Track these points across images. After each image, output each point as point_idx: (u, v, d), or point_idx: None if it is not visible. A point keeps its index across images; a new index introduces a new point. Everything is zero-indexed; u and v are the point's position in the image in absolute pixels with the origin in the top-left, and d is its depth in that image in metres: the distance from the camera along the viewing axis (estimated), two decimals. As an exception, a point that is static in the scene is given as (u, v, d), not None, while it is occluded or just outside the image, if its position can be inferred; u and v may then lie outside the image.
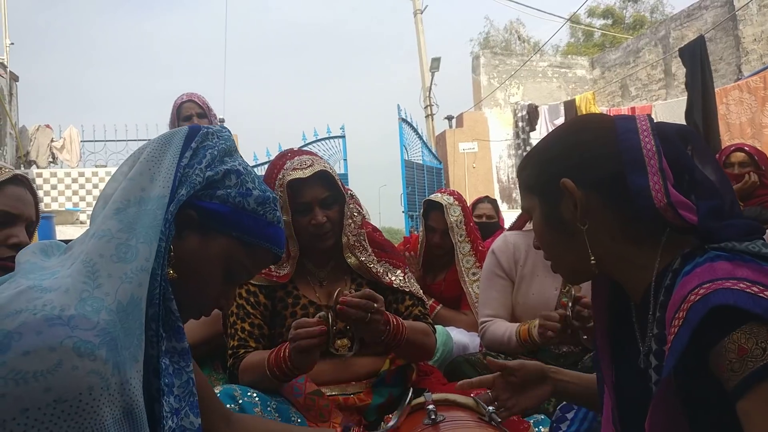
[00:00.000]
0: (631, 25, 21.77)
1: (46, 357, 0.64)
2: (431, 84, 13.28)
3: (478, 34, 26.23)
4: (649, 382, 0.83)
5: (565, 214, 0.94)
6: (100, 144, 11.26)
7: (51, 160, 11.15)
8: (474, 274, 2.76)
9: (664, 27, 12.45)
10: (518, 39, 24.52)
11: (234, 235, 0.91)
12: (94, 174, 10.37)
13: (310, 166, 1.67)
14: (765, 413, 0.69)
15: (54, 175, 10.32)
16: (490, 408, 1.29)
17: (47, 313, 0.67)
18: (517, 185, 1.10)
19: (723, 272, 0.76)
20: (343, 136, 10.67)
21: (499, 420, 1.26)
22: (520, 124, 12.24)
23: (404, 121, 11.04)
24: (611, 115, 1.06)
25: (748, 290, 0.72)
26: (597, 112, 9.15)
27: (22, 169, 10.15)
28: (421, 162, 11.69)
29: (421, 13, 13.41)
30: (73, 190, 10.24)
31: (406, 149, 11.05)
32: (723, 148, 4.19)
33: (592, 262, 0.93)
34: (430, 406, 1.29)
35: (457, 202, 2.83)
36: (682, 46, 6.73)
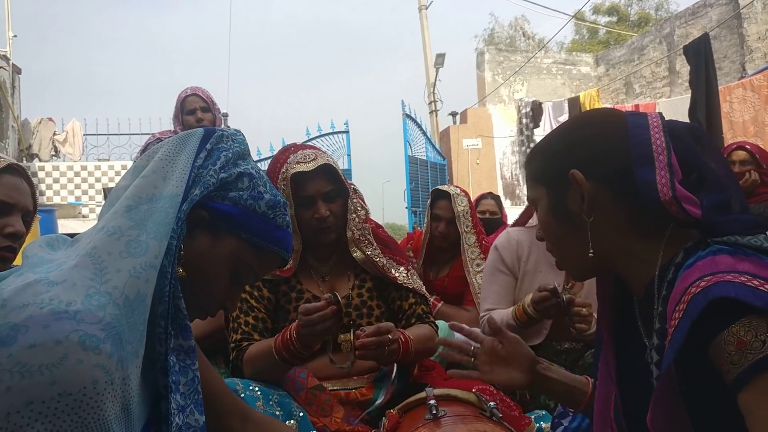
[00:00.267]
0: (636, 22, 21.76)
1: (51, 350, 0.64)
2: (435, 80, 13.26)
3: (483, 30, 26.24)
4: (650, 377, 0.83)
5: (571, 206, 0.94)
6: (103, 138, 11.26)
7: (53, 153, 11.14)
8: (478, 265, 2.77)
9: (669, 24, 12.40)
10: (523, 35, 24.52)
11: (243, 236, 0.91)
12: (97, 168, 10.30)
13: (314, 159, 1.67)
14: (765, 405, 0.69)
15: (56, 168, 10.23)
16: (492, 403, 1.29)
17: (54, 306, 0.67)
18: (522, 180, 1.10)
19: (724, 265, 0.76)
20: (346, 132, 10.66)
21: (500, 415, 1.27)
22: (524, 120, 12.25)
23: (408, 116, 11.02)
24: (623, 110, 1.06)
25: (748, 283, 0.72)
26: (601, 109, 9.12)
27: (24, 162, 10.16)
28: (424, 158, 11.68)
29: (426, 9, 13.38)
30: (75, 184, 10.19)
31: (409, 145, 11.04)
32: (725, 146, 4.18)
33: (590, 255, 0.93)
34: (432, 401, 1.29)
35: (463, 194, 2.88)
36: (687, 43, 6.72)
